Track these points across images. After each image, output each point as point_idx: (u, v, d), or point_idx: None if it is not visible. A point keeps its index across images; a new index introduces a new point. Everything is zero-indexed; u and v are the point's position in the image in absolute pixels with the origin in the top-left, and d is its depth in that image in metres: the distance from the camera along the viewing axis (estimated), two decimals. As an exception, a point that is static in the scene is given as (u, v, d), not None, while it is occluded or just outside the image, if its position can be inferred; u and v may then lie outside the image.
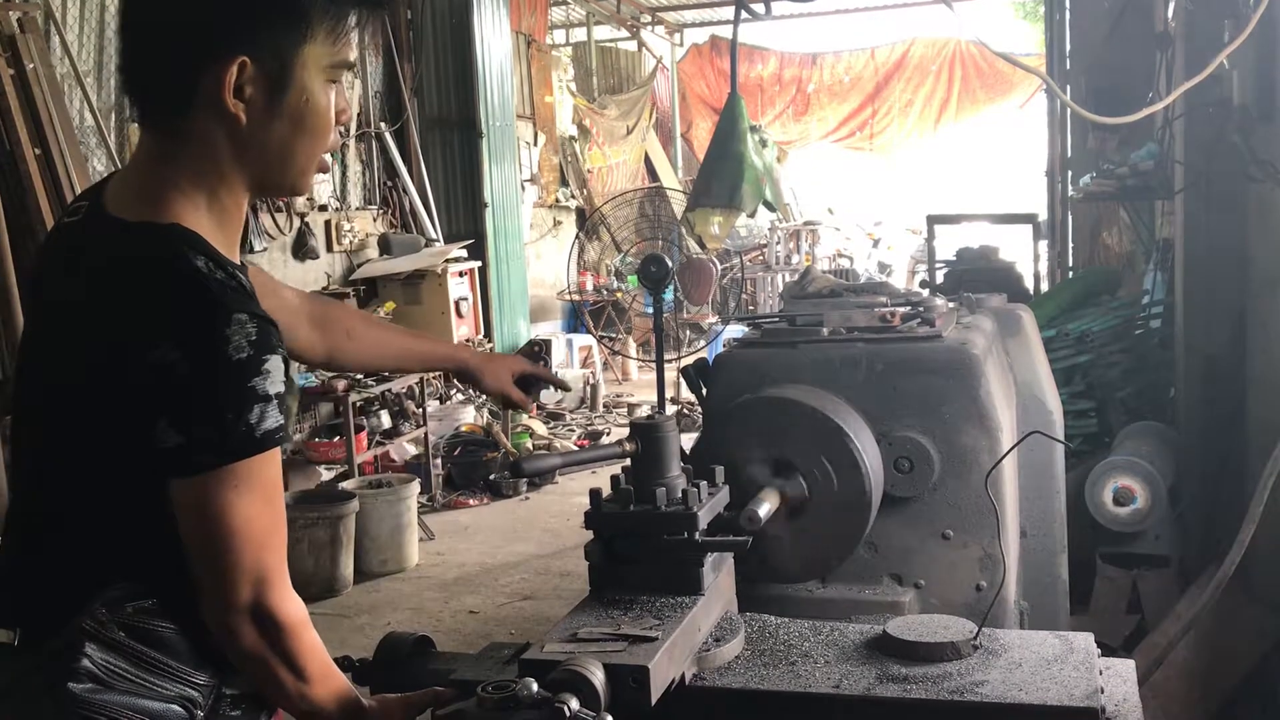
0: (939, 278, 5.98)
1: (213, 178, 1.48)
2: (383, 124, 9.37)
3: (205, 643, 1.46)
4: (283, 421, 1.41)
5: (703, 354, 8.77)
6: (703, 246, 10.16)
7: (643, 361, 11.61)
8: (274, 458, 1.42)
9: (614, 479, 1.89)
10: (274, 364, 1.39)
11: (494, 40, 10.03)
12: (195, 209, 1.47)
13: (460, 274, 8.96)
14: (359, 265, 8.80)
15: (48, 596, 1.47)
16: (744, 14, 4.00)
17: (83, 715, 1.39)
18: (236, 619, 1.41)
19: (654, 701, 1.56)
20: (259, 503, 1.40)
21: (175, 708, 1.44)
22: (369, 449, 7.08)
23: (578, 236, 11.67)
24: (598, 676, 1.49)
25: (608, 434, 9.23)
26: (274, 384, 1.39)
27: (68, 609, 1.42)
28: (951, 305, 2.84)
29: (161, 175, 1.47)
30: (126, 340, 1.37)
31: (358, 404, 6.81)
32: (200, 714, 1.47)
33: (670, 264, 4.86)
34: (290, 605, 1.44)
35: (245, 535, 1.39)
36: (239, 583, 1.39)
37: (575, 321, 12.34)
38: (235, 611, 1.41)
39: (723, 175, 4.80)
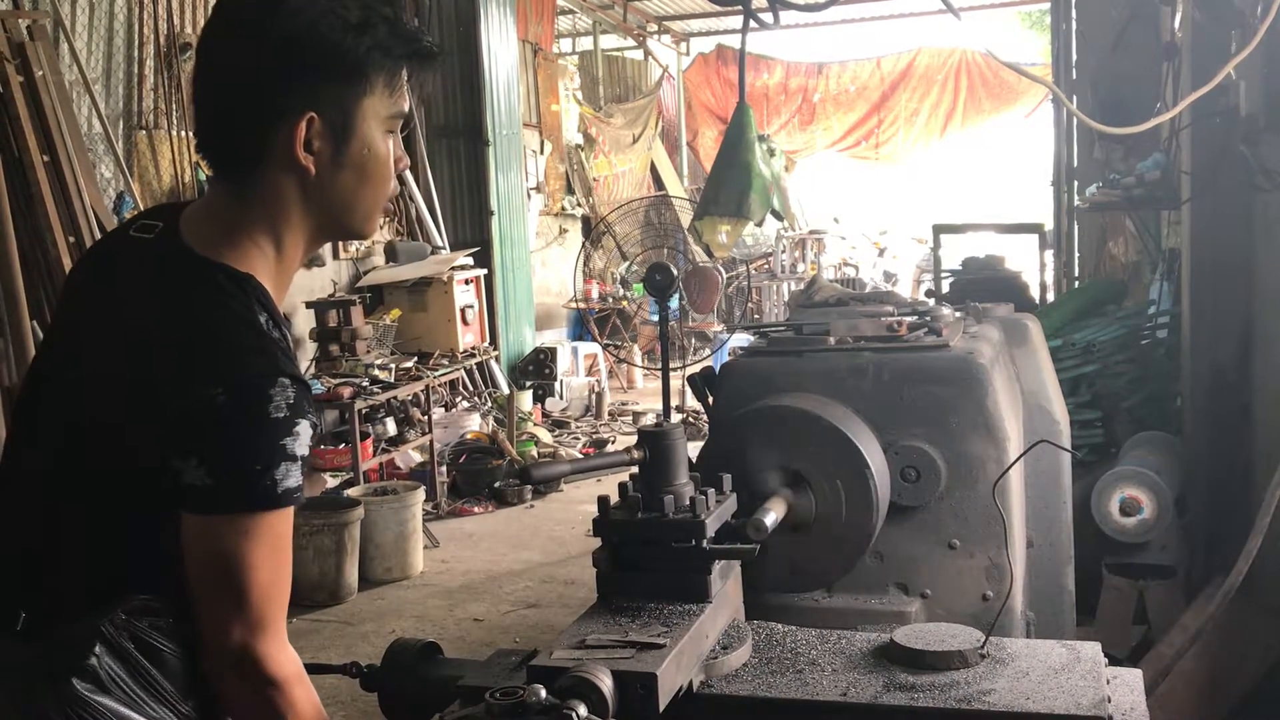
0: (945, 287, 5.99)
1: (282, 226, 1.56)
2: (389, 132, 9.38)
3: (198, 674, 1.49)
4: (301, 483, 1.47)
5: (708, 363, 8.78)
6: (710, 255, 10.18)
7: (648, 370, 11.61)
8: (288, 515, 1.47)
9: (622, 486, 1.90)
10: (303, 428, 1.45)
11: (501, 49, 10.04)
12: (265, 258, 1.55)
13: (466, 281, 8.96)
14: (365, 272, 8.81)
15: (67, 592, 1.49)
16: (752, 23, 4.00)
17: (77, 713, 1.41)
18: (225, 661, 1.44)
19: (662, 708, 1.56)
20: (266, 554, 1.44)
21: None
22: (374, 456, 7.07)
23: (583, 244, 11.69)
24: (606, 683, 1.49)
25: (612, 442, 9.22)
26: (301, 446, 1.45)
27: (85, 607, 1.45)
28: (958, 315, 2.84)
29: (238, 220, 1.55)
30: (185, 375, 1.42)
31: (363, 411, 6.81)
32: None
33: (675, 272, 4.87)
34: (281, 658, 1.46)
35: (248, 581, 1.43)
36: (233, 625, 1.43)
37: (581, 329, 12.35)
38: (225, 653, 1.44)
39: (731, 184, 4.80)
